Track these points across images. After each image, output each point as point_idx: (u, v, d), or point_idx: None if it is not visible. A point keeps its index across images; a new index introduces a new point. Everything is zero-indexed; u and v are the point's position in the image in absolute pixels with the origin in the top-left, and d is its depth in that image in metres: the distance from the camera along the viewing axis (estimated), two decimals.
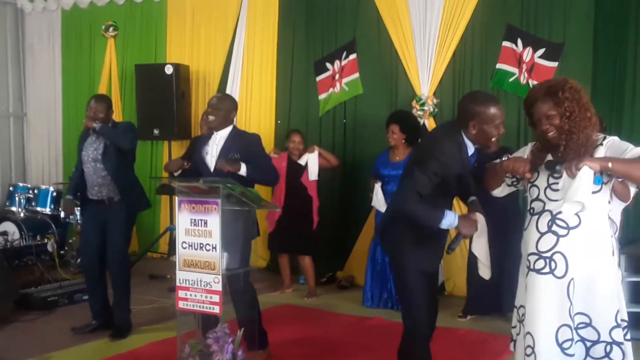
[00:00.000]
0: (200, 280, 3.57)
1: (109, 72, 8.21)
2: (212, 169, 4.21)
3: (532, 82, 5.71)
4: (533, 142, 2.86)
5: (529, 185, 2.76)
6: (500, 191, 2.91)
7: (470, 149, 3.10)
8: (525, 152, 2.84)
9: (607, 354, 2.59)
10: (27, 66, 8.95)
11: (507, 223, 4.84)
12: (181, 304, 3.66)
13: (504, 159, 2.87)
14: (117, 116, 8.11)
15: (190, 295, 3.61)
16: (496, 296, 5.10)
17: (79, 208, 5.32)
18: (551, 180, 2.65)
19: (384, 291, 5.66)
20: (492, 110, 2.99)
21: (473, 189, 3.23)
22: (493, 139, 3.12)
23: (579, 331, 2.59)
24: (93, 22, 8.35)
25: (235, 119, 4.47)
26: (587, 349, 2.60)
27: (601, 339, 2.59)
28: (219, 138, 4.26)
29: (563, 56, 5.65)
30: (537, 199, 2.70)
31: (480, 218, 3.12)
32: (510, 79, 5.87)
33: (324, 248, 6.55)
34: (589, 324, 2.58)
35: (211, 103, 4.33)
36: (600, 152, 2.59)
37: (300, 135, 6.15)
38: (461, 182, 3.13)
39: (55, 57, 8.69)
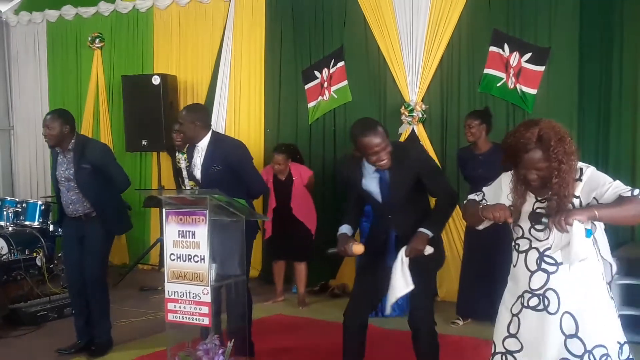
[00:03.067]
0: (189, 292, 3.55)
1: (96, 84, 8.18)
2: (200, 182, 4.21)
3: (520, 87, 5.73)
4: (507, 173, 2.76)
5: (512, 224, 2.72)
6: (482, 226, 2.88)
7: (370, 167, 3.44)
8: (500, 184, 2.77)
9: None
10: (13, 79, 8.90)
11: (499, 230, 4.85)
12: (170, 317, 3.63)
13: (485, 197, 2.79)
14: (104, 128, 8.09)
15: (180, 307, 3.58)
16: (489, 302, 5.10)
17: None
18: (533, 220, 2.61)
19: None
20: (362, 141, 3.33)
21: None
22: (380, 166, 3.37)
23: None
24: (79, 34, 8.32)
25: (209, 125, 4.39)
26: None
27: None
28: (200, 149, 4.26)
29: (550, 60, 5.67)
30: (522, 237, 2.68)
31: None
32: (498, 84, 5.88)
33: (317, 256, 6.52)
34: (607, 355, 2.57)
35: (179, 118, 4.32)
36: (579, 189, 2.55)
37: (283, 156, 5.97)
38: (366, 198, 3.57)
39: (42, 70, 8.65)
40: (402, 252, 3.37)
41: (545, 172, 2.53)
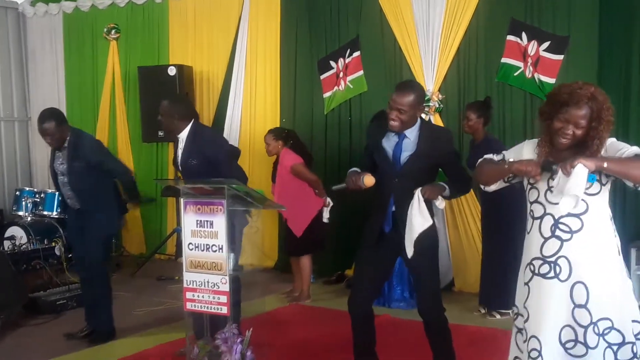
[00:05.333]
0: (208, 281, 3.55)
1: (112, 75, 8.21)
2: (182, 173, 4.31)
3: (538, 76, 5.68)
4: (531, 140, 2.82)
5: (528, 186, 2.74)
6: (497, 187, 2.88)
7: (393, 137, 3.48)
8: (522, 150, 2.79)
9: (635, 354, 2.58)
10: (30, 70, 8.95)
11: (511, 218, 4.84)
12: (189, 305, 3.64)
13: (505, 158, 2.79)
14: (121, 119, 8.13)
15: (198, 296, 3.59)
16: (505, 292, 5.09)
17: None
18: (551, 182, 2.63)
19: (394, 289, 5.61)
20: (392, 94, 3.39)
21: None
22: (390, 123, 3.40)
23: (606, 337, 2.58)
24: (95, 25, 8.34)
25: (189, 116, 4.35)
26: (615, 353, 2.58)
27: (626, 341, 2.58)
28: (181, 140, 4.30)
29: (568, 49, 5.61)
30: (537, 201, 2.69)
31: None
32: (515, 73, 5.83)
33: (333, 246, 6.54)
34: (612, 327, 2.57)
35: (160, 109, 4.32)
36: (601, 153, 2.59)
37: (269, 135, 5.75)
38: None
39: (58, 61, 8.70)
40: (418, 191, 3.39)
41: (582, 131, 2.58)
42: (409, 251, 3.42)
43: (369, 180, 3.38)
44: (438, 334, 3.57)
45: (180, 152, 4.31)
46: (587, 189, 2.54)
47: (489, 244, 5.25)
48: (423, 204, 3.39)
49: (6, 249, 6.47)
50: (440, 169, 3.60)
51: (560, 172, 2.53)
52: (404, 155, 3.47)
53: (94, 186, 4.69)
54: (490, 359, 4.29)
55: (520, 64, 5.81)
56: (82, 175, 4.63)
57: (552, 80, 5.64)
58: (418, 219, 3.38)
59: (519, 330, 2.78)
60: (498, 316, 5.19)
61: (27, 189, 7.77)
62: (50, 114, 4.62)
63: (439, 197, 3.46)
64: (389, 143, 3.52)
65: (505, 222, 4.96)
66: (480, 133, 5.22)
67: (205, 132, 4.40)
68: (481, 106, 5.27)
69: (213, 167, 4.12)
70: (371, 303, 3.65)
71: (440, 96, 6.16)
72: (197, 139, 4.24)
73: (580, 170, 2.46)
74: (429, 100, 6.13)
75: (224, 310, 3.52)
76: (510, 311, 5.05)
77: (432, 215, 3.47)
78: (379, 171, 3.52)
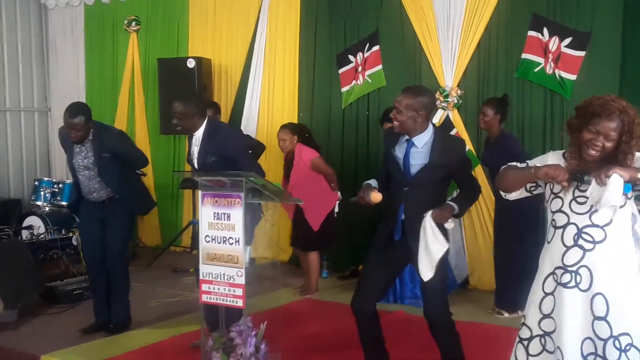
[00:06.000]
0: (224, 274, 3.56)
1: (132, 67, 8.25)
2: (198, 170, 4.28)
3: (559, 72, 5.61)
4: (555, 152, 2.78)
5: (552, 196, 2.71)
6: (517, 195, 2.85)
7: (404, 136, 3.47)
8: (545, 160, 2.76)
9: None
10: (51, 61, 9.03)
11: (524, 225, 4.93)
12: (205, 298, 3.66)
13: (535, 164, 2.76)
14: (140, 111, 8.17)
15: (214, 288, 3.60)
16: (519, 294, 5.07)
17: None
18: (577, 193, 2.60)
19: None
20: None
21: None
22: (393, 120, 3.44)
23: (627, 354, 2.54)
24: (115, 17, 8.39)
25: (205, 114, 4.36)
26: None
27: None
28: (197, 139, 4.28)
29: (590, 46, 5.53)
30: (560, 210, 2.66)
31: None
32: (536, 69, 5.76)
33: (347, 242, 6.53)
34: (631, 345, 2.54)
35: (175, 111, 4.24)
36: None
37: (285, 131, 5.68)
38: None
39: (79, 52, 8.76)
40: (428, 215, 3.35)
41: (611, 144, 2.56)
42: (427, 275, 3.40)
43: (375, 197, 3.46)
44: (445, 337, 3.55)
45: (196, 149, 4.29)
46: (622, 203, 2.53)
47: (500, 251, 5.24)
48: (436, 229, 3.36)
49: (24, 238, 6.54)
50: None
51: (594, 183, 2.49)
52: (414, 165, 3.46)
53: (122, 175, 4.72)
54: (504, 357, 4.26)
55: (541, 60, 5.75)
56: (111, 166, 4.64)
57: (573, 77, 5.57)
58: (436, 245, 3.37)
59: (521, 341, 2.76)
60: (506, 314, 5.16)
61: (46, 179, 7.86)
62: (80, 109, 4.55)
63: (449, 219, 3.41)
64: (400, 151, 3.52)
65: (515, 231, 4.99)
66: (496, 129, 5.18)
67: (222, 129, 4.39)
68: (498, 103, 5.22)
69: (232, 163, 4.12)
70: (374, 304, 3.60)
71: (459, 92, 6.11)
72: (213, 137, 4.23)
73: (616, 180, 2.43)
74: (447, 95, 6.09)
75: (240, 303, 3.53)
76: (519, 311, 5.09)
77: (446, 237, 3.44)
78: (392, 178, 3.58)
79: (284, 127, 5.80)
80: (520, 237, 4.99)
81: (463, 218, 6.04)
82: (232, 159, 4.16)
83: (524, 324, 2.78)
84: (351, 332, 4.68)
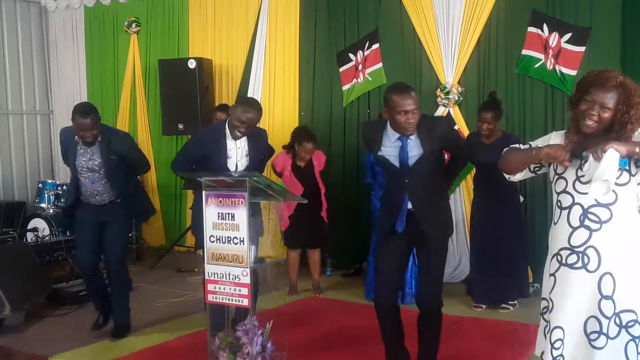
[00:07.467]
0: (229, 274, 3.58)
1: (133, 68, 8.27)
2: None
3: (559, 68, 5.63)
4: (558, 132, 2.79)
5: (556, 177, 2.70)
6: (522, 176, 2.86)
7: (393, 135, 3.47)
8: (548, 140, 2.77)
9: None
10: (52, 64, 9.04)
11: (507, 214, 5.08)
12: (210, 297, 3.68)
13: (537, 145, 2.77)
14: (141, 112, 8.20)
15: (219, 288, 3.63)
16: (497, 286, 5.15)
17: None
18: (580, 172, 2.60)
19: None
20: (395, 97, 3.38)
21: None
22: (405, 128, 3.40)
23: (629, 329, 2.56)
24: (116, 19, 8.41)
25: None
26: (638, 346, 2.56)
27: None
28: (241, 141, 4.28)
29: (590, 41, 5.54)
30: (565, 191, 2.66)
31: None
32: (536, 65, 5.78)
33: (350, 239, 6.55)
34: (636, 321, 2.55)
35: (246, 118, 4.19)
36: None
37: (313, 144, 5.71)
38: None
39: (79, 54, 8.78)
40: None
41: (608, 114, 2.55)
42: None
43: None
44: (432, 326, 3.62)
45: (239, 151, 4.26)
46: (617, 177, 2.50)
47: (479, 235, 5.30)
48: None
49: (29, 240, 6.56)
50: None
51: (591, 158, 2.48)
52: (412, 157, 3.50)
53: (126, 179, 4.75)
54: (509, 352, 4.28)
55: (541, 55, 5.76)
56: (117, 169, 4.63)
57: (573, 72, 5.59)
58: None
59: (542, 314, 2.77)
60: (483, 307, 5.21)
61: (50, 181, 7.88)
62: (90, 109, 4.52)
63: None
64: (389, 150, 3.54)
65: (498, 213, 5.09)
66: (497, 131, 5.17)
67: (258, 129, 4.53)
68: (494, 104, 5.22)
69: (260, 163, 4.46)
70: (397, 296, 3.71)
71: (459, 88, 6.13)
72: (258, 136, 4.41)
73: (612, 154, 2.41)
74: (448, 92, 6.11)
75: (245, 302, 3.55)
76: (509, 305, 5.13)
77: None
78: (387, 174, 3.69)
79: (311, 139, 5.71)
80: (495, 230, 5.07)
81: (467, 215, 6.03)
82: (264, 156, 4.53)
83: (546, 307, 2.78)
84: (357, 330, 4.74)
